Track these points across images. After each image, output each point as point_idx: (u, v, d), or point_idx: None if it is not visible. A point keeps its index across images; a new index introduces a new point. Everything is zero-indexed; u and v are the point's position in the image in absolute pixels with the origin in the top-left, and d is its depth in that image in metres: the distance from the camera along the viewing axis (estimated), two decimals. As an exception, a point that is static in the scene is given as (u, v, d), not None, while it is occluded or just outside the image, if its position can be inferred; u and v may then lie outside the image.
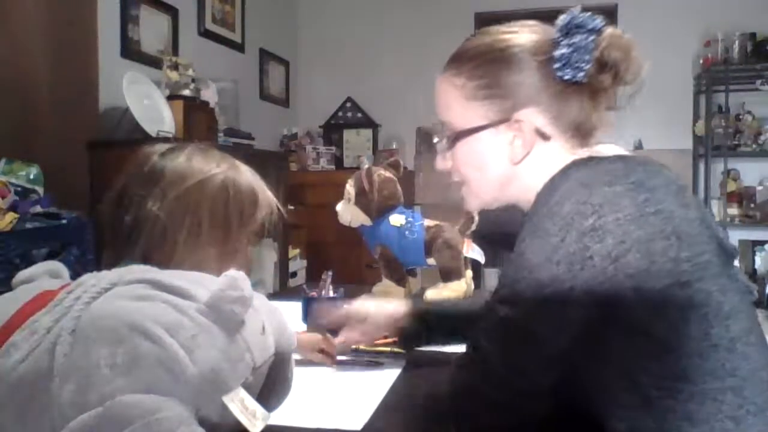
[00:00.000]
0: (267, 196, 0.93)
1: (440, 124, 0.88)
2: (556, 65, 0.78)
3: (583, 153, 0.80)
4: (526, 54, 0.80)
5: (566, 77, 0.78)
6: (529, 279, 0.69)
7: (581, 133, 0.82)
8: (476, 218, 1.56)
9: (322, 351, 1.09)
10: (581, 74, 0.77)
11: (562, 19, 0.79)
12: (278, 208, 0.93)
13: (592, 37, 0.77)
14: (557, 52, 0.78)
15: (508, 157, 0.82)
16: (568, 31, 0.78)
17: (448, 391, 0.77)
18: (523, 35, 0.82)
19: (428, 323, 1.07)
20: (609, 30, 0.78)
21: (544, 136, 0.81)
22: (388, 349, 1.15)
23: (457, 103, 0.84)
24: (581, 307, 0.68)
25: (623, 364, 0.71)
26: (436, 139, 0.89)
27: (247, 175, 0.92)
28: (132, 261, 0.80)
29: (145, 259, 0.82)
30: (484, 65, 0.82)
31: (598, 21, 0.78)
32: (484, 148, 0.83)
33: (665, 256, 0.68)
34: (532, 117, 0.80)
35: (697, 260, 0.70)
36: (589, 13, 0.78)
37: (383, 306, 1.09)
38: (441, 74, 0.87)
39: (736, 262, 0.79)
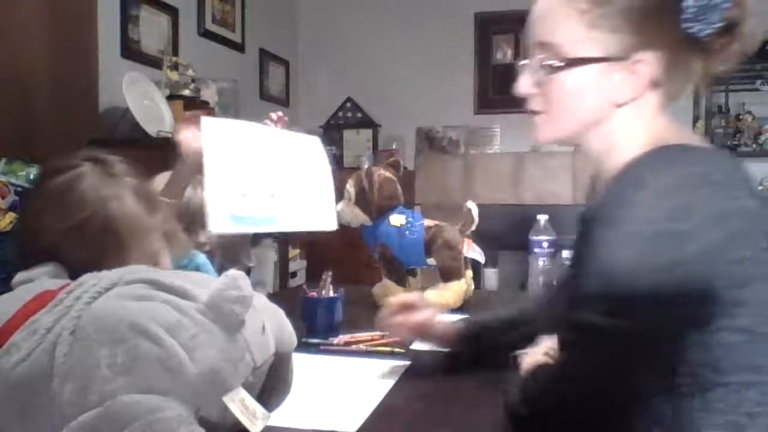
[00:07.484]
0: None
1: (536, 44, 0.80)
2: (686, 16, 0.73)
3: (663, 128, 0.77)
4: None
5: (691, 30, 0.73)
6: (623, 289, 0.67)
7: (671, 95, 0.78)
8: (476, 219, 1.56)
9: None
10: (707, 31, 0.73)
11: None
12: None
13: None
14: (688, 2, 0.73)
15: (609, 97, 0.77)
16: None
17: (533, 401, 0.74)
18: None
19: (482, 343, 1.04)
20: None
21: (656, 85, 0.76)
22: (388, 349, 1.15)
23: (574, 27, 0.76)
24: (669, 307, 0.67)
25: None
26: (525, 61, 0.81)
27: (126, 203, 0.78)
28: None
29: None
30: None
31: None
32: (590, 81, 0.77)
33: (737, 256, 0.67)
34: (652, 62, 0.75)
35: (761, 256, 0.68)
36: None
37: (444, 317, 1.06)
38: None
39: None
